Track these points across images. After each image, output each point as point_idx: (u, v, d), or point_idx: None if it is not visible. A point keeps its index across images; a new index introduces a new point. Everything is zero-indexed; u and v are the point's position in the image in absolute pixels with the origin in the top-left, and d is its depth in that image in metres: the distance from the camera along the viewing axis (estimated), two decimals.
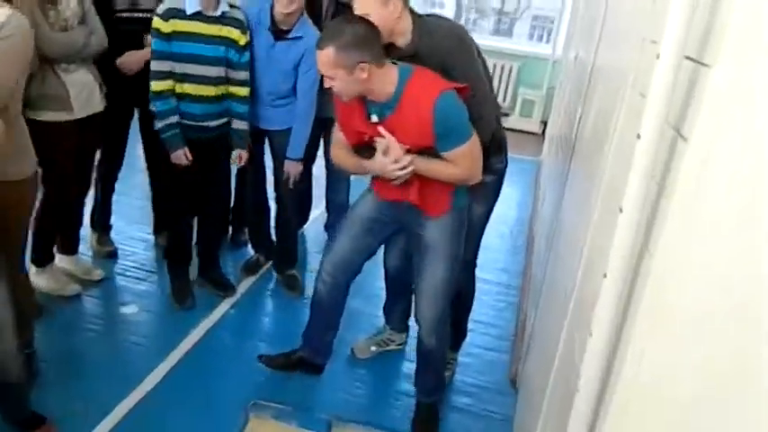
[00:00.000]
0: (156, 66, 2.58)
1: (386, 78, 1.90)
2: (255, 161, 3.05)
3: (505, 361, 2.84)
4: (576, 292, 1.48)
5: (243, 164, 2.87)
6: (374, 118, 1.98)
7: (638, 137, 0.93)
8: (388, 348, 2.81)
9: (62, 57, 2.51)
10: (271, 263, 3.34)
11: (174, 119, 2.63)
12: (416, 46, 2.02)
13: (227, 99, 2.72)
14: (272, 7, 2.65)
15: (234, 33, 2.62)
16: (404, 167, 1.95)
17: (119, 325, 2.79)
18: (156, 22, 2.53)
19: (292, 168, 2.90)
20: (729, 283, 0.79)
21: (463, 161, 1.96)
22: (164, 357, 2.58)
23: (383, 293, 2.75)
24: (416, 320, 2.30)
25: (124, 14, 2.84)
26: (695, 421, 0.86)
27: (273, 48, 2.71)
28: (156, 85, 2.58)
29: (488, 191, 2.35)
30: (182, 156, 2.67)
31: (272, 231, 3.30)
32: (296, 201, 3.15)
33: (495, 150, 2.26)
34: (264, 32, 2.69)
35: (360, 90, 1.92)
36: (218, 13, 2.57)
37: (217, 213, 3.10)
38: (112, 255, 3.29)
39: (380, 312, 2.86)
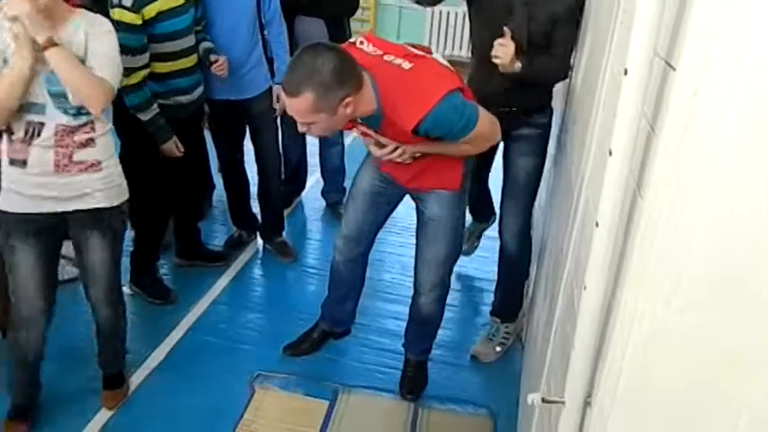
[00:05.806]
0: (129, 62, 2.27)
1: (366, 100, 1.69)
2: (231, 136, 2.96)
3: None
4: (573, 245, 1.42)
5: (221, 66, 2.59)
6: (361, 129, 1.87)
7: (625, 72, 0.85)
8: None
9: None
10: (253, 237, 3.26)
11: (156, 107, 2.44)
12: None
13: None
14: None
15: None
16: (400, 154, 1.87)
17: None
18: (125, 16, 2.26)
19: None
20: (723, 226, 0.72)
21: (475, 140, 1.84)
22: (165, 336, 2.56)
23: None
24: (414, 288, 2.25)
25: None
26: (692, 386, 0.80)
27: None
28: (132, 78, 2.33)
29: (533, 144, 2.30)
30: (173, 146, 2.51)
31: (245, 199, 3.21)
32: (278, 165, 3.08)
33: (538, 108, 2.26)
34: None
35: (343, 124, 1.75)
36: None
37: (196, 191, 3.01)
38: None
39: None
